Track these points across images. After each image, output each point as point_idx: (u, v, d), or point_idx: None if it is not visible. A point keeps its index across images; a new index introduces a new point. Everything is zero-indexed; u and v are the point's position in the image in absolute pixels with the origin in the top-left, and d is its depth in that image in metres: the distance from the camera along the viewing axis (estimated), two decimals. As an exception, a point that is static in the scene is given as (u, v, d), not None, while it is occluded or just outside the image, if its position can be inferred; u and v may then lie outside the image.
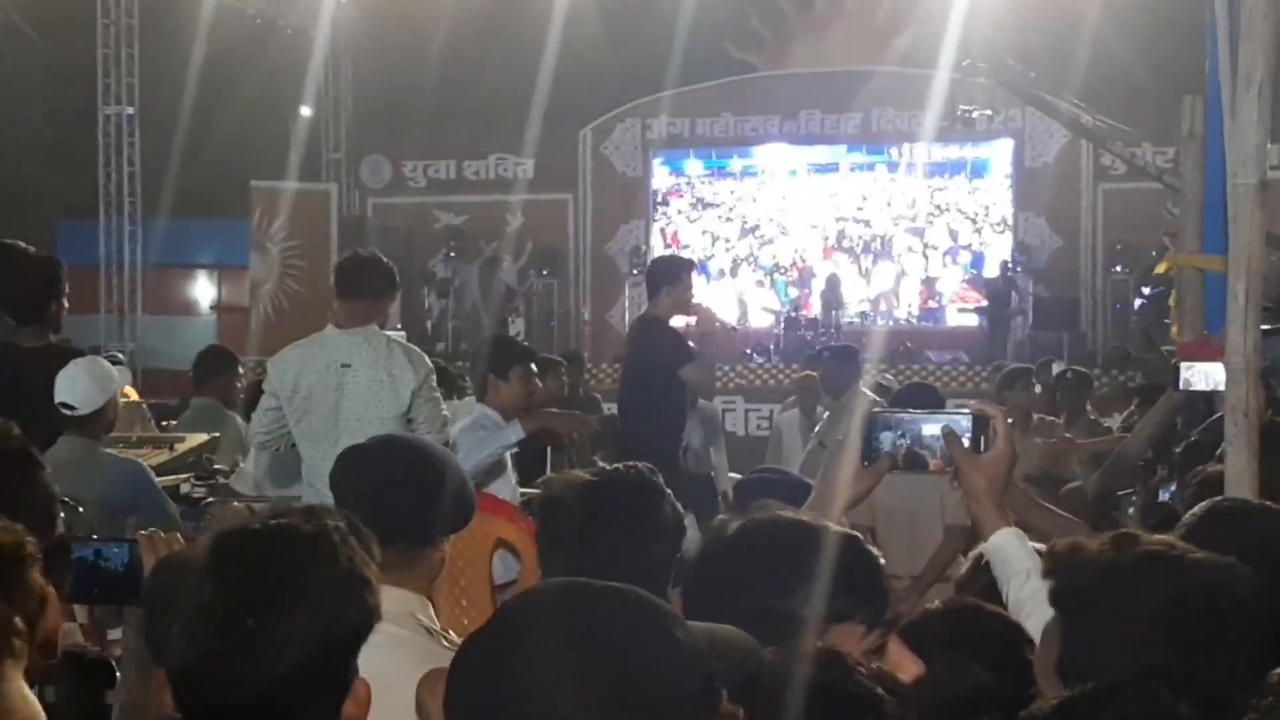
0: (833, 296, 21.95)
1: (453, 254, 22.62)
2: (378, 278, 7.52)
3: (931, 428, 3.01)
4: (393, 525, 3.36)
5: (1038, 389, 11.21)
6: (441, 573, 3.70)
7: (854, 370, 10.75)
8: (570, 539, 2.96)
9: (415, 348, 7.54)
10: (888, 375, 14.00)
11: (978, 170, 22.90)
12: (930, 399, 7.47)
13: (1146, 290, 18.24)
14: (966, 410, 3.04)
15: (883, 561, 2.75)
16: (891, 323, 22.53)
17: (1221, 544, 2.42)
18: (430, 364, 7.45)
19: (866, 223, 23.43)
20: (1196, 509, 2.95)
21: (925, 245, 23.23)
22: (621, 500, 2.98)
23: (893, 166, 23.18)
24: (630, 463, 3.11)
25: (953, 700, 2.53)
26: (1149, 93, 19.06)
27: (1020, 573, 2.94)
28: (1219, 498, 3.08)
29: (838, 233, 23.48)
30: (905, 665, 2.29)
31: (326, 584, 2.23)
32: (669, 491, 3.05)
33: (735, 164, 23.60)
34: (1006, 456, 2.98)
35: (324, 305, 7.67)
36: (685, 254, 23.05)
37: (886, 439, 3.00)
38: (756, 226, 23.69)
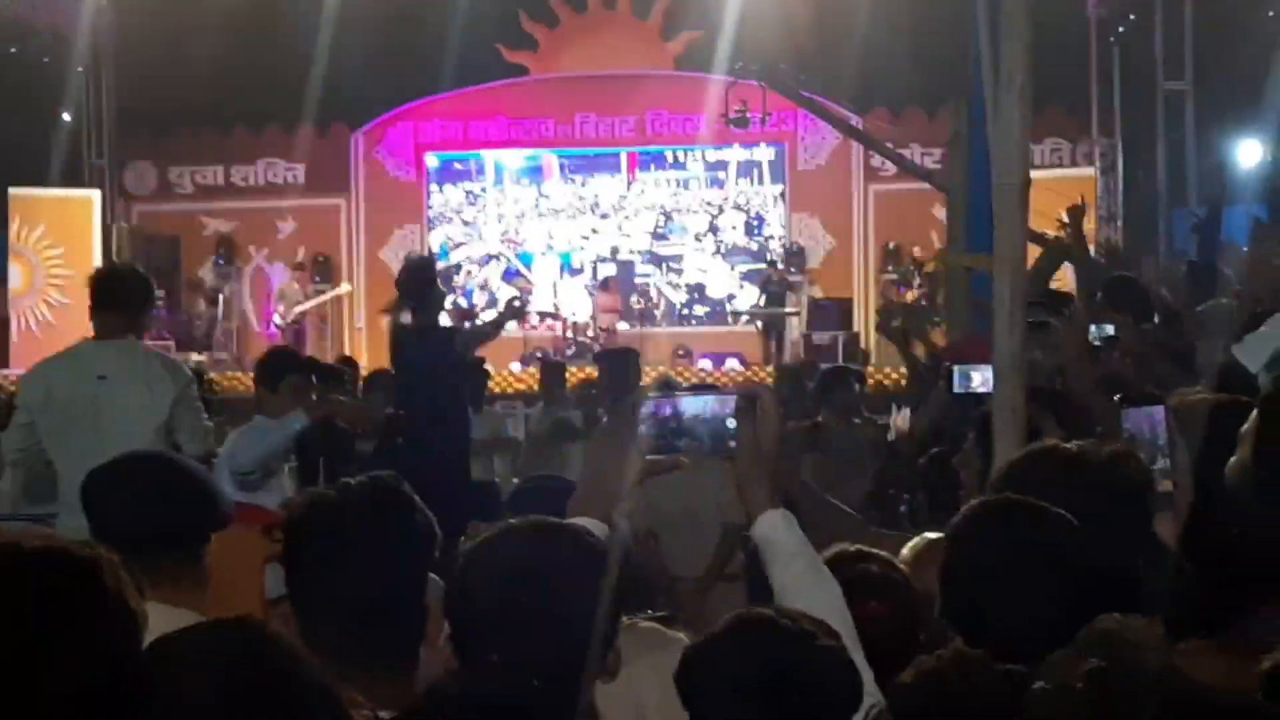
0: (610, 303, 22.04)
1: (222, 261, 22.22)
2: (133, 289, 7.35)
3: (698, 409, 2.96)
4: (156, 537, 3.48)
5: (856, 388, 11.34)
6: (212, 588, 3.67)
7: (632, 373, 10.77)
8: (317, 558, 2.87)
9: (174, 358, 7.41)
10: (671, 375, 14.07)
11: (752, 172, 23.10)
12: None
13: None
14: (734, 391, 3.00)
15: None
16: (670, 326, 22.62)
17: (990, 543, 2.43)
18: (190, 374, 7.35)
19: (649, 227, 23.51)
20: (964, 509, 2.95)
21: (701, 246, 23.36)
22: (368, 514, 2.86)
23: (674, 167, 23.28)
24: (374, 473, 3.03)
25: None
26: (917, 95, 19.46)
27: (785, 555, 2.88)
28: (985, 498, 3.07)
29: (609, 244, 23.55)
30: None
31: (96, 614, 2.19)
32: (416, 499, 2.94)
33: (511, 166, 23.56)
34: (773, 436, 2.93)
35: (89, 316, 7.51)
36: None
37: (651, 426, 2.97)
38: (506, 236, 23.71)
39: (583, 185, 23.74)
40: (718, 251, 23.40)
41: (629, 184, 23.56)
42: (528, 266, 23.77)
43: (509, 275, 23.72)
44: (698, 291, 23.40)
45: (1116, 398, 4.13)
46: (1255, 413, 2.41)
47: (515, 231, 23.92)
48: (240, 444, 7.72)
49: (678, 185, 23.59)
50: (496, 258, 23.85)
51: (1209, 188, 19.05)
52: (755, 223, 23.32)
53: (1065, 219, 9.02)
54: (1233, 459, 2.36)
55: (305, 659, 2.19)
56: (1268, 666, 2.05)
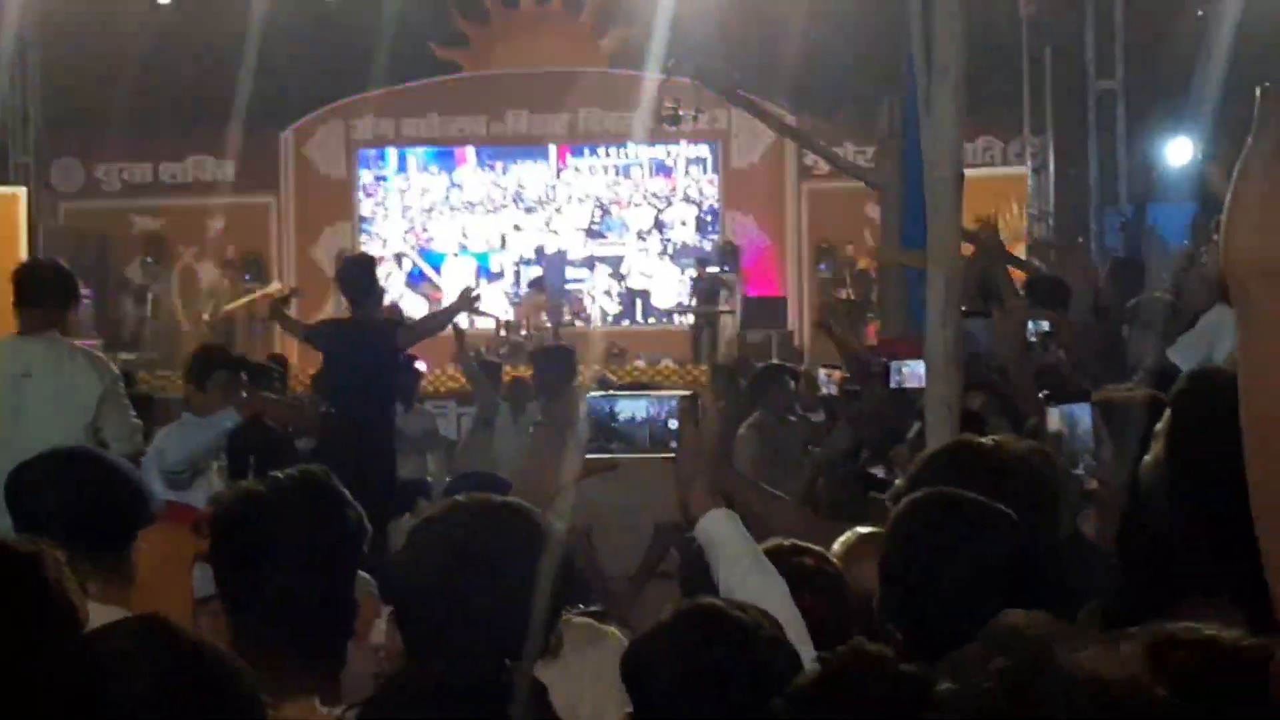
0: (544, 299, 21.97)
1: (150, 259, 22.01)
2: (56, 285, 7.30)
3: (639, 409, 2.99)
4: (82, 534, 3.45)
5: (791, 385, 11.36)
6: (140, 587, 3.71)
7: (567, 371, 10.77)
8: (249, 554, 2.85)
9: (100, 355, 7.37)
10: (608, 374, 14.07)
11: (686, 170, 23.07)
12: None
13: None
14: (676, 393, 3.06)
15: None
16: (603, 325, 22.57)
17: (929, 539, 2.43)
18: (116, 371, 7.30)
19: (583, 223, 23.39)
20: (901, 504, 2.96)
21: (645, 245, 23.31)
22: (300, 508, 2.85)
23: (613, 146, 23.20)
24: (303, 467, 3.00)
25: None
26: (851, 93, 19.49)
27: (730, 553, 2.91)
28: (924, 491, 3.07)
29: (535, 243, 23.42)
30: None
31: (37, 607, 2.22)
32: (346, 493, 2.93)
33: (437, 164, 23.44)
34: (715, 437, 2.98)
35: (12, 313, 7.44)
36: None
37: (588, 426, 3.01)
38: (411, 231, 23.54)
39: (503, 173, 23.33)
40: (664, 252, 23.26)
41: (558, 172, 23.26)
42: (436, 269, 23.36)
43: (413, 279, 23.42)
44: (641, 298, 23.16)
45: (1043, 394, 4.14)
46: (1168, 410, 2.41)
47: (422, 228, 23.54)
48: (169, 442, 7.69)
49: (617, 173, 23.28)
50: (400, 259, 23.48)
51: (1137, 186, 19.22)
52: (708, 218, 23.21)
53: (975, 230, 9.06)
54: (1148, 456, 2.36)
55: (220, 657, 2.17)
56: (1145, 644, 2.07)
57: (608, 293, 23.22)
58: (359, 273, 9.80)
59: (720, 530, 2.95)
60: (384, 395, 9.52)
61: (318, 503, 2.87)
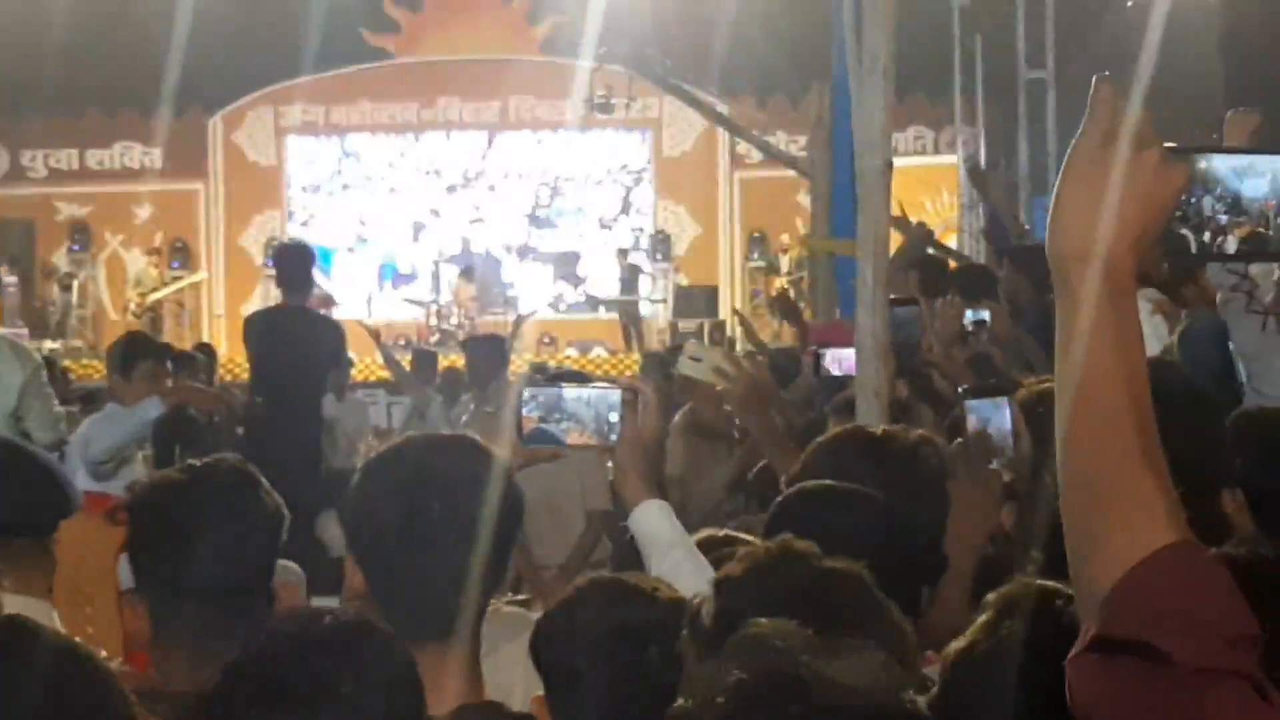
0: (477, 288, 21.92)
1: (76, 246, 21.85)
2: None
3: (573, 400, 3.04)
4: (9, 520, 3.42)
5: None
6: (67, 579, 3.65)
7: (500, 360, 10.76)
8: (164, 542, 2.83)
9: (23, 344, 7.28)
10: (545, 362, 14.10)
11: (617, 159, 23.08)
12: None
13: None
14: (614, 385, 3.08)
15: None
16: (534, 313, 22.54)
17: (806, 530, 2.43)
18: (40, 360, 7.24)
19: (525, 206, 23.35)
20: (782, 496, 3.01)
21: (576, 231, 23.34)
22: (217, 496, 2.84)
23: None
24: (219, 455, 3.00)
25: None
26: (783, 81, 19.56)
27: (664, 545, 2.95)
28: (803, 485, 3.10)
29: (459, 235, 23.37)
30: None
31: None
32: (263, 480, 2.92)
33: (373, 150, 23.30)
34: (655, 430, 3.02)
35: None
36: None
37: (532, 413, 3.04)
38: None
39: (416, 140, 23.15)
40: (585, 237, 23.23)
41: (489, 142, 23.16)
42: (325, 271, 22.19)
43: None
44: (560, 278, 23.13)
45: (960, 389, 4.16)
46: None
47: (304, 212, 23.46)
48: (93, 432, 7.62)
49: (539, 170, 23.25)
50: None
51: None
52: (618, 210, 23.24)
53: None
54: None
55: (84, 655, 2.11)
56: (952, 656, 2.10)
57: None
58: (295, 261, 9.73)
59: (653, 521, 2.98)
60: (313, 386, 9.48)
61: (234, 491, 2.85)
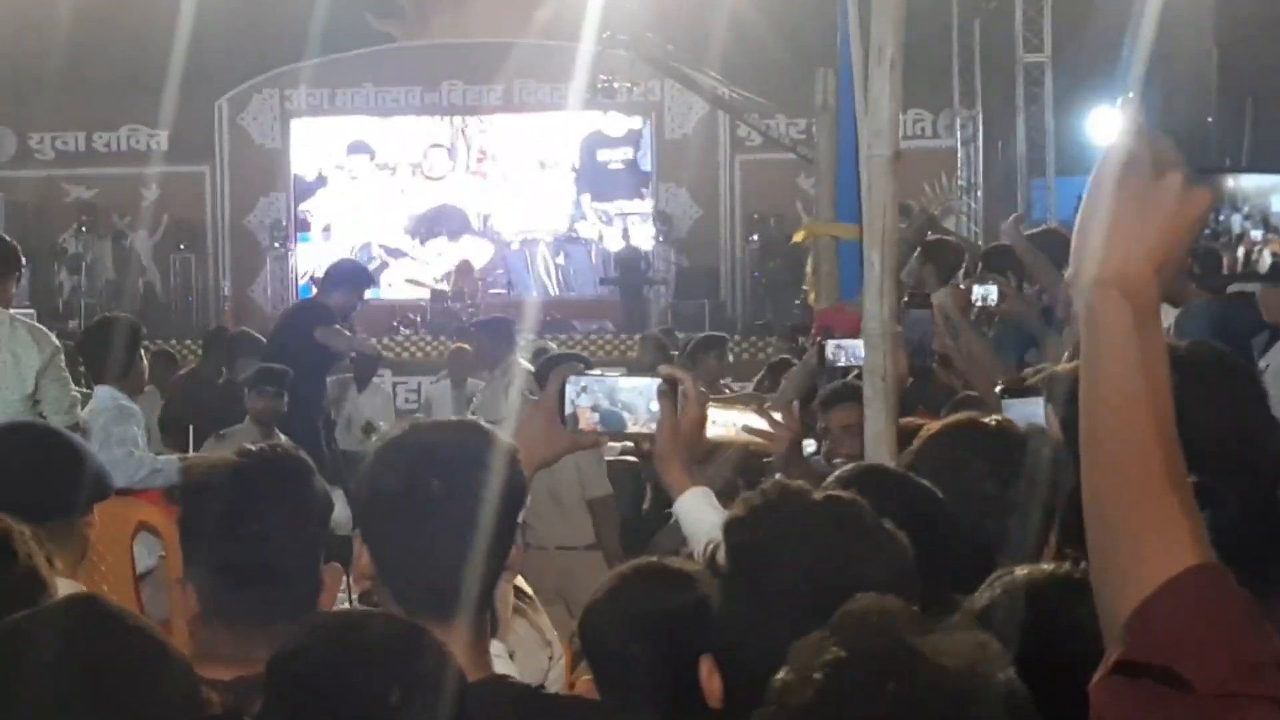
0: (469, 268, 22.02)
1: (84, 229, 21.84)
2: None
3: (627, 389, 3.03)
4: (39, 502, 3.44)
5: (727, 357, 11.55)
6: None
7: (508, 342, 10.86)
8: (217, 524, 2.88)
9: (41, 327, 7.33)
10: (550, 343, 14.13)
11: (620, 141, 23.15)
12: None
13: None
14: (656, 376, 3.07)
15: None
16: (536, 293, 22.62)
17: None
18: (57, 343, 7.25)
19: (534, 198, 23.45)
20: (841, 472, 3.01)
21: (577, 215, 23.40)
22: (271, 482, 2.89)
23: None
24: (273, 442, 3.06)
25: None
26: (783, 65, 19.57)
27: (707, 532, 2.92)
28: (864, 463, 3.18)
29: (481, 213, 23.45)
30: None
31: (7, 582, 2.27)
32: (313, 465, 2.99)
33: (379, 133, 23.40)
34: (698, 420, 3.03)
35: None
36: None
37: (584, 402, 3.00)
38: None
39: (419, 122, 23.34)
40: (588, 220, 23.29)
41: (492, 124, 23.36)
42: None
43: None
44: (565, 259, 23.21)
45: (998, 389, 4.22)
46: None
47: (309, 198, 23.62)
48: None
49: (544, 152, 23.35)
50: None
51: (1065, 159, 19.38)
52: (621, 191, 23.32)
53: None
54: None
55: (153, 634, 2.20)
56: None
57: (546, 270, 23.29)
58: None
59: (698, 508, 3.04)
60: (308, 367, 9.60)
61: (288, 477, 2.91)
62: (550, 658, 3.57)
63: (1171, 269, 1.66)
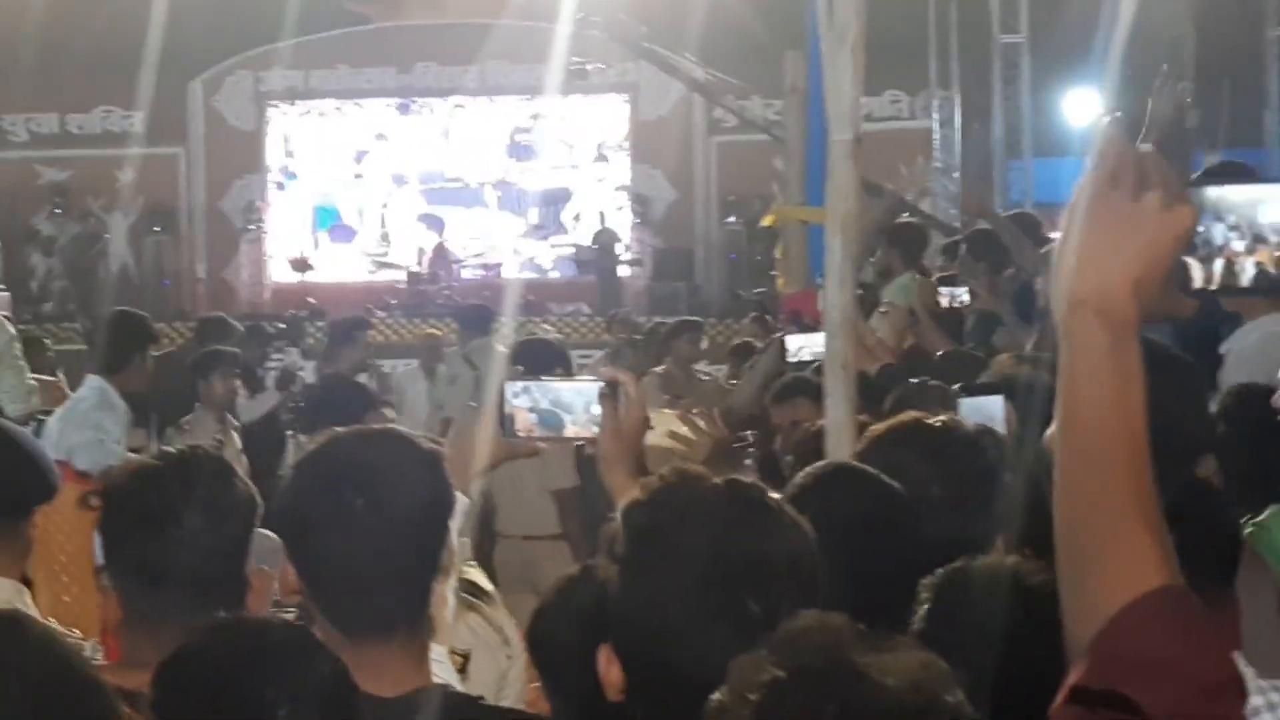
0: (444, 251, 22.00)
1: (58, 211, 21.78)
2: None
3: (566, 391, 3.02)
4: None
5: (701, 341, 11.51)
6: (42, 556, 3.70)
7: (485, 324, 10.90)
8: (136, 527, 2.86)
9: (-2, 315, 7.24)
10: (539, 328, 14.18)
11: (593, 123, 23.12)
12: (549, 355, 7.55)
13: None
14: (595, 378, 3.06)
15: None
16: (518, 274, 22.60)
17: (827, 509, 2.46)
18: (13, 331, 7.20)
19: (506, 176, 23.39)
20: (810, 471, 2.98)
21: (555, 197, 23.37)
22: (189, 483, 2.86)
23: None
24: (193, 443, 3.05)
25: None
26: (759, 46, 19.54)
27: None
28: (830, 462, 3.14)
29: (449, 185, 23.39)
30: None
31: None
32: (234, 466, 2.98)
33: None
34: (639, 422, 3.01)
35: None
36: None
37: (522, 403, 2.99)
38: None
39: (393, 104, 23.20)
40: (558, 202, 23.28)
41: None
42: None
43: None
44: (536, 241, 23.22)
45: (956, 386, 4.19)
46: None
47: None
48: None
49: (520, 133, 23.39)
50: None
51: (1042, 141, 19.39)
52: (596, 173, 23.27)
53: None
54: (1048, 430, 2.38)
55: (63, 651, 2.16)
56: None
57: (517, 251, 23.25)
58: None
59: None
60: None
61: (208, 479, 2.88)
62: (509, 656, 3.52)
63: (1153, 288, 1.65)
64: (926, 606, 2.36)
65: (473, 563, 3.67)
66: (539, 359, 6.33)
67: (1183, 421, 2.92)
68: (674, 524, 2.18)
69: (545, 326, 15.62)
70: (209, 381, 8.90)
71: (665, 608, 2.12)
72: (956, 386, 4.04)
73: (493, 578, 4.03)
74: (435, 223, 22.77)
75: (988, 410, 3.64)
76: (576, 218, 23.27)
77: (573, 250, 22.78)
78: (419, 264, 22.13)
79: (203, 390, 8.93)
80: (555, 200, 23.21)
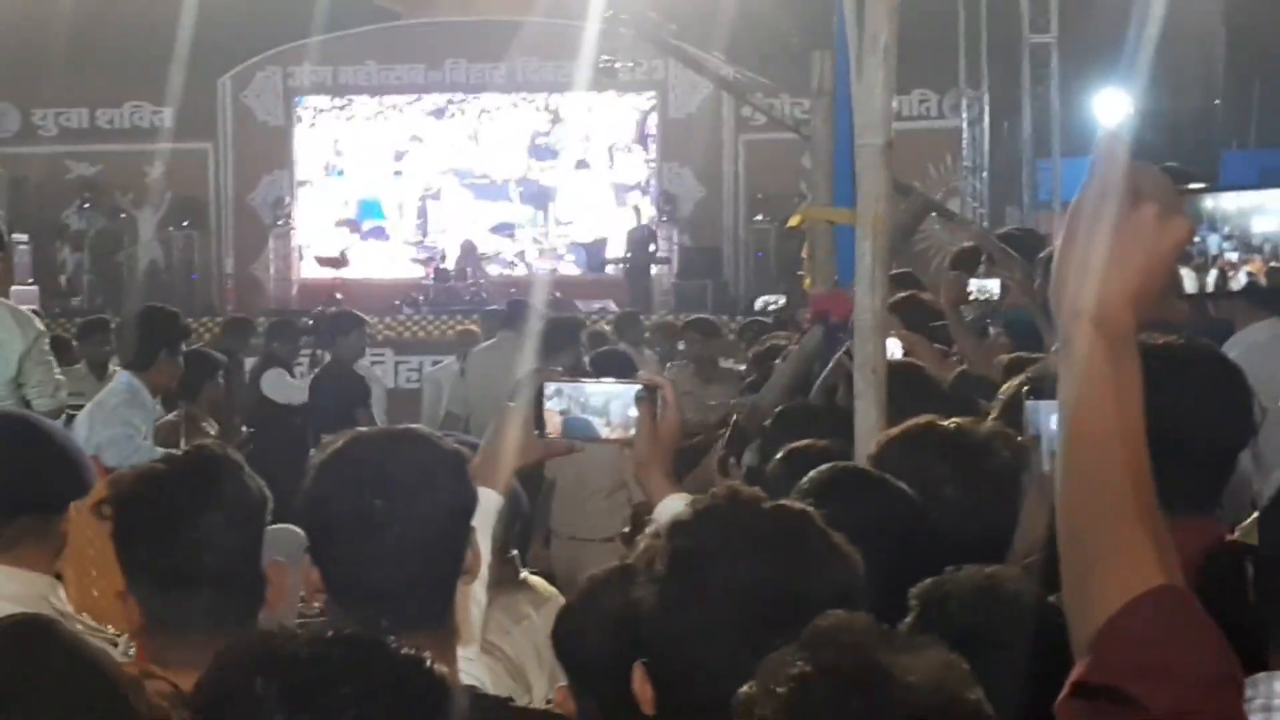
0: (472, 248, 22.01)
1: (87, 205, 21.82)
2: None
3: (601, 395, 3.03)
4: (15, 497, 3.39)
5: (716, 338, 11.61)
6: (73, 552, 3.60)
7: (524, 317, 11.00)
8: (152, 534, 2.85)
9: (25, 310, 7.29)
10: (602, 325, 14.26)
11: (623, 121, 23.10)
12: (621, 365, 7.66)
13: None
14: (635, 381, 3.08)
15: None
16: (548, 271, 22.57)
17: (841, 514, 2.46)
18: (41, 327, 7.23)
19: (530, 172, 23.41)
20: (816, 476, 2.97)
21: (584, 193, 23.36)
22: (202, 485, 2.85)
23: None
24: (199, 443, 3.03)
25: None
26: (787, 44, 19.53)
27: None
28: (837, 465, 3.13)
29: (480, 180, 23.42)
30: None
31: None
32: (244, 464, 2.94)
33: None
34: (675, 425, 3.04)
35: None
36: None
37: (555, 406, 3.01)
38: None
39: (421, 101, 23.14)
40: (590, 198, 23.24)
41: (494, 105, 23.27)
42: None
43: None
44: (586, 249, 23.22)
45: (1024, 389, 4.16)
46: None
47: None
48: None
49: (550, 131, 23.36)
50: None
51: (1071, 140, 19.32)
52: (626, 170, 23.28)
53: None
54: None
55: (84, 648, 2.16)
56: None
57: (537, 240, 23.23)
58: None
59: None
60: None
61: (218, 479, 2.86)
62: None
63: (1151, 299, 1.67)
64: (912, 616, 2.37)
65: (532, 569, 3.69)
66: (620, 372, 6.43)
67: (1226, 421, 2.94)
68: (717, 552, 2.18)
69: (604, 326, 15.52)
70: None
71: (700, 640, 2.13)
72: (1025, 389, 4.01)
73: (550, 578, 4.05)
74: (463, 219, 22.77)
75: (1043, 414, 3.60)
76: (598, 215, 23.26)
77: (603, 246, 22.72)
78: (445, 260, 22.15)
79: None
80: (580, 197, 23.18)
